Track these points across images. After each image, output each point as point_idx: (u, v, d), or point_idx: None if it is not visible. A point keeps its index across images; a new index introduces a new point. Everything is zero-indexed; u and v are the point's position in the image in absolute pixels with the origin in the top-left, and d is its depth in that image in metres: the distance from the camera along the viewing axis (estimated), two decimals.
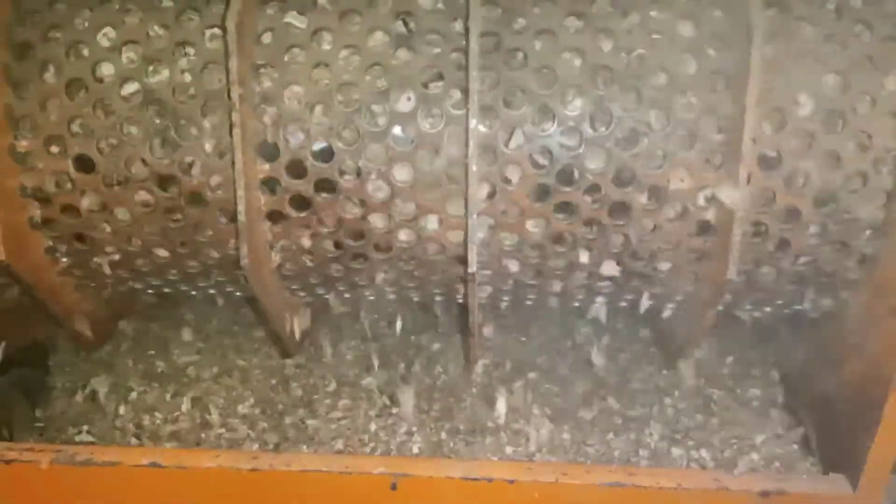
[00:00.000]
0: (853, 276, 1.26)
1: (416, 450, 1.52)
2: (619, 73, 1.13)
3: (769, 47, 1.10)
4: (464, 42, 1.12)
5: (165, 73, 1.19)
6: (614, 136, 1.14)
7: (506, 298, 1.44)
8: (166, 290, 1.48)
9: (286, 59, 1.17)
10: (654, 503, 1.24)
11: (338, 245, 1.28)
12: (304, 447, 1.53)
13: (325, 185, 1.21)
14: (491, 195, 1.19)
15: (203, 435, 1.56)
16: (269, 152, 1.20)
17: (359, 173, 1.19)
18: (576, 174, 1.17)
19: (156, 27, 1.20)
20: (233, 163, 1.15)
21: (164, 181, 1.23)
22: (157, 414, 1.60)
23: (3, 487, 1.30)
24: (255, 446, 1.53)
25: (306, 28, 1.17)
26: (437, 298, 1.44)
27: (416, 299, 1.46)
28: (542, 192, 1.19)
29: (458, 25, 1.15)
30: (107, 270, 1.38)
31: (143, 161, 1.22)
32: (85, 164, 1.23)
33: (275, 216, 1.25)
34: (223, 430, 1.56)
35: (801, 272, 1.26)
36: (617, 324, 1.77)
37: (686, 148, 1.15)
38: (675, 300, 1.38)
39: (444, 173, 1.18)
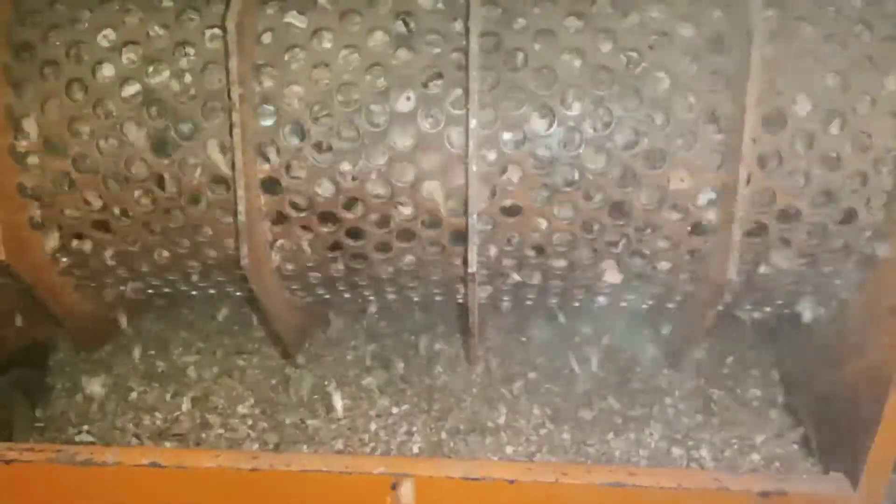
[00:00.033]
0: (853, 276, 1.26)
1: (416, 450, 1.52)
2: (619, 73, 1.13)
3: (769, 47, 1.10)
4: (464, 42, 1.12)
5: (166, 73, 1.19)
6: (614, 136, 1.14)
7: (506, 298, 1.44)
8: (166, 290, 1.48)
9: (286, 59, 1.17)
10: (655, 503, 1.24)
11: (338, 245, 1.28)
12: (304, 447, 1.53)
13: (326, 185, 1.21)
14: (491, 195, 1.19)
15: (203, 435, 1.56)
16: (269, 154, 1.20)
17: (358, 174, 1.19)
18: (576, 174, 1.17)
19: (156, 27, 1.20)
20: (233, 163, 1.15)
21: (164, 181, 1.23)
22: (157, 414, 1.60)
23: (3, 487, 1.30)
24: (256, 446, 1.53)
25: (306, 28, 1.17)
26: (437, 298, 1.44)
27: (416, 299, 1.46)
28: (543, 192, 1.18)
29: (459, 25, 1.15)
30: (106, 270, 1.38)
31: (144, 161, 1.22)
32: (85, 164, 1.23)
33: (275, 216, 1.25)
34: (223, 430, 1.57)
35: (801, 272, 1.26)
36: (617, 324, 1.77)
37: (686, 148, 1.15)
38: (675, 300, 1.38)
39: (443, 173, 1.18)
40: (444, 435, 1.54)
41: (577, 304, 1.46)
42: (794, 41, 1.13)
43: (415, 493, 1.24)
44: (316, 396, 1.64)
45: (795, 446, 1.48)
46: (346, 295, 1.46)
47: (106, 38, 1.20)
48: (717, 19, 1.14)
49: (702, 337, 1.39)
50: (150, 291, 1.50)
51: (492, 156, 1.16)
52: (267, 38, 1.18)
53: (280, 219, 1.25)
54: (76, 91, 1.20)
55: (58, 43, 1.20)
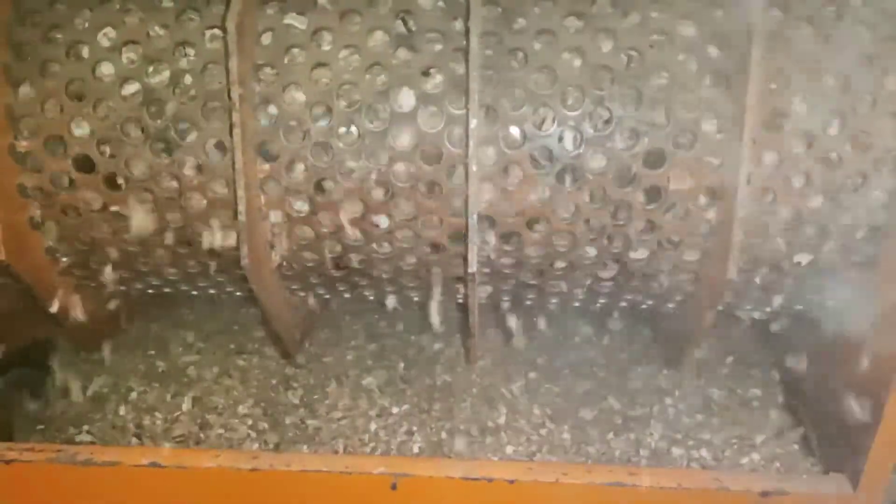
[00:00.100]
0: (853, 275, 1.26)
1: (416, 449, 1.52)
2: (619, 73, 1.13)
3: (769, 47, 1.10)
4: (464, 41, 1.12)
5: (166, 73, 1.19)
6: (614, 135, 1.14)
7: (506, 298, 1.44)
8: (166, 289, 1.48)
9: (286, 59, 1.17)
10: (655, 503, 1.24)
11: (338, 245, 1.28)
12: (305, 447, 1.53)
13: (327, 185, 1.21)
14: (491, 195, 1.19)
15: (203, 435, 1.56)
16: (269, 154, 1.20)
17: (358, 174, 1.19)
18: (576, 174, 1.17)
19: (156, 27, 1.20)
20: (233, 163, 1.15)
21: (164, 181, 1.23)
22: (157, 414, 1.60)
23: (3, 487, 1.30)
24: (256, 446, 1.53)
25: (306, 28, 1.17)
26: (437, 298, 1.44)
27: (416, 299, 1.46)
28: (543, 192, 1.18)
29: (459, 25, 1.15)
30: (107, 271, 1.38)
31: (144, 161, 1.22)
32: (85, 164, 1.23)
33: (275, 216, 1.25)
34: (223, 430, 1.56)
35: (801, 272, 1.26)
36: (617, 323, 1.77)
37: (686, 148, 1.15)
38: (675, 300, 1.38)
39: (443, 173, 1.18)
40: (444, 435, 1.54)
41: (577, 304, 1.46)
42: (794, 41, 1.13)
43: (415, 493, 1.24)
44: (316, 396, 1.64)
45: (796, 446, 1.48)
46: (346, 295, 1.46)
47: (106, 37, 1.20)
48: (718, 19, 1.14)
49: (702, 337, 1.39)
50: (150, 291, 1.50)
51: (492, 155, 1.16)
52: (267, 38, 1.18)
53: (280, 219, 1.25)
54: (76, 91, 1.20)
55: (58, 42, 1.20)
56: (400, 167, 1.18)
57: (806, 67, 1.12)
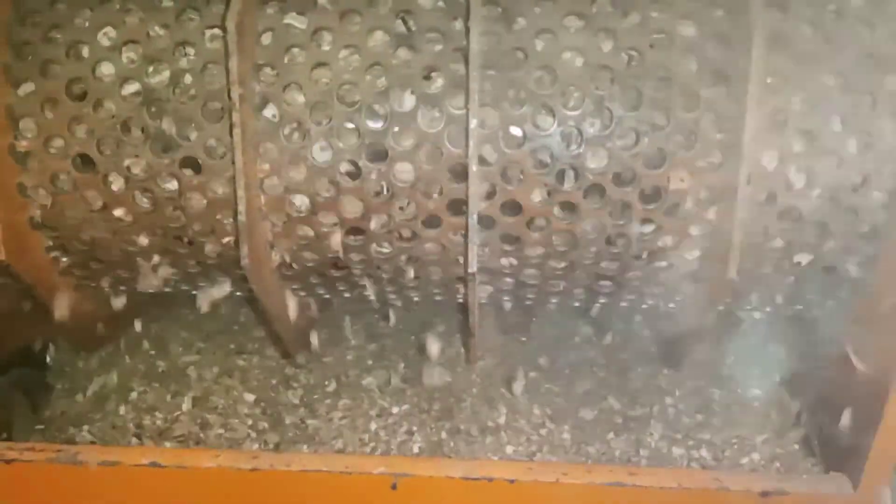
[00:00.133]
0: (854, 275, 1.26)
1: (416, 449, 1.52)
2: (619, 72, 1.13)
3: (770, 47, 1.10)
4: (464, 41, 1.12)
5: (166, 73, 1.19)
6: (615, 135, 1.14)
7: (506, 298, 1.44)
8: (166, 289, 1.48)
9: (286, 59, 1.17)
10: (655, 503, 1.24)
11: (338, 245, 1.28)
12: (305, 447, 1.53)
13: (326, 185, 1.21)
14: (491, 195, 1.19)
15: (203, 435, 1.56)
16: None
17: (359, 173, 1.19)
18: (576, 174, 1.17)
19: (156, 27, 1.20)
20: (233, 162, 1.15)
21: (164, 181, 1.23)
22: (157, 414, 1.60)
23: (3, 487, 1.30)
24: (256, 446, 1.53)
25: (306, 28, 1.17)
26: (437, 298, 1.44)
27: (416, 299, 1.46)
28: (543, 192, 1.18)
29: (459, 24, 1.15)
30: (106, 270, 1.39)
31: (144, 161, 1.21)
32: (85, 164, 1.23)
33: (275, 216, 1.25)
34: (223, 430, 1.56)
35: (802, 272, 1.26)
36: (618, 323, 1.77)
37: (686, 148, 1.15)
38: (675, 300, 1.38)
39: (444, 173, 1.18)
40: (444, 435, 1.54)
41: (577, 304, 1.46)
42: (794, 41, 1.13)
43: (415, 493, 1.24)
44: (316, 396, 1.63)
45: (796, 446, 1.48)
46: (347, 295, 1.46)
47: (106, 37, 1.20)
48: (718, 18, 1.14)
49: (702, 337, 1.39)
50: (150, 291, 1.50)
51: (492, 155, 1.16)
52: (267, 38, 1.18)
53: (280, 218, 1.25)
54: (76, 91, 1.20)
55: (58, 42, 1.20)
56: (400, 167, 1.18)
57: (806, 67, 1.12)
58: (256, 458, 1.28)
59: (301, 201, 1.23)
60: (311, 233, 1.26)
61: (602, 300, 1.42)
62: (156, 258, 1.34)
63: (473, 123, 1.10)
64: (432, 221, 1.23)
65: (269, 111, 1.18)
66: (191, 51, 1.19)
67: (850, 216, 1.18)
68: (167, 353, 1.76)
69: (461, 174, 1.15)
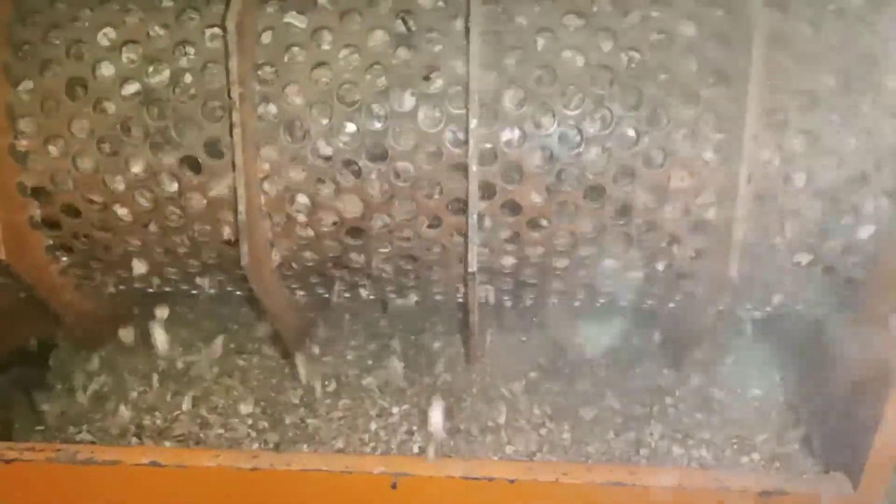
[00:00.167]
0: (854, 274, 1.26)
1: (416, 449, 1.52)
2: (619, 72, 1.13)
3: (770, 46, 1.10)
4: (464, 40, 1.12)
5: (166, 72, 1.19)
6: (615, 135, 1.14)
7: (506, 298, 1.44)
8: (167, 288, 1.48)
9: (286, 58, 1.17)
10: (655, 502, 1.24)
11: (338, 244, 1.28)
12: (305, 447, 1.53)
13: (326, 184, 1.21)
14: (491, 195, 1.19)
15: (203, 434, 1.56)
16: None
17: (359, 172, 1.19)
18: (576, 173, 1.17)
19: (156, 27, 1.20)
20: (233, 162, 1.15)
21: (164, 180, 1.23)
22: (157, 413, 1.60)
23: (3, 486, 1.31)
24: (256, 446, 1.53)
25: (306, 27, 1.17)
26: (437, 298, 1.44)
27: (416, 299, 1.46)
28: (543, 192, 1.18)
29: (459, 24, 1.15)
30: (106, 270, 1.39)
31: (144, 160, 1.21)
32: (85, 163, 1.23)
33: (275, 215, 1.25)
34: (223, 430, 1.56)
35: (802, 271, 1.26)
36: (618, 323, 1.76)
37: (687, 147, 1.15)
38: (675, 299, 1.38)
39: (444, 173, 1.18)
40: (444, 434, 1.54)
41: (577, 304, 1.46)
42: (795, 40, 1.13)
43: (415, 493, 1.24)
44: (316, 396, 1.64)
45: (796, 446, 1.48)
46: (347, 294, 1.46)
47: (106, 36, 1.20)
48: (718, 18, 1.14)
49: (703, 336, 1.39)
50: (150, 290, 1.50)
51: (492, 155, 1.16)
52: (267, 37, 1.18)
53: (280, 218, 1.25)
54: (76, 90, 1.20)
55: (58, 42, 1.20)
56: (400, 166, 1.18)
57: (806, 66, 1.12)
58: (256, 457, 1.28)
59: (301, 201, 1.23)
60: (311, 232, 1.26)
61: (602, 299, 1.42)
62: (156, 257, 1.34)
63: (473, 123, 1.10)
64: (432, 221, 1.23)
65: (270, 110, 1.18)
66: (191, 50, 1.19)
67: (850, 216, 1.18)
68: (167, 352, 1.75)
69: (461, 174, 1.15)
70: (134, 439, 1.55)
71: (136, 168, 1.22)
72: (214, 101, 1.17)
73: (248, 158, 1.16)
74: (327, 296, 1.48)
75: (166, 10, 1.20)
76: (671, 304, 1.41)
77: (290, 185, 1.21)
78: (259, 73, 1.17)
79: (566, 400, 1.60)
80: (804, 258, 1.24)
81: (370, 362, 1.71)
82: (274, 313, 1.38)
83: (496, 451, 1.50)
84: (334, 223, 1.25)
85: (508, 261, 1.28)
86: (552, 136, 1.15)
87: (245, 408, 1.61)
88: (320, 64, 1.17)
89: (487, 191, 1.18)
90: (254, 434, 1.55)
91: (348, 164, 1.19)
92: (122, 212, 1.27)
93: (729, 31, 1.12)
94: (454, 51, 1.15)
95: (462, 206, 1.18)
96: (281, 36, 1.17)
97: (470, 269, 1.18)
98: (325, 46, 1.17)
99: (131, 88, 1.20)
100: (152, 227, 1.28)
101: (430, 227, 1.23)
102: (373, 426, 1.55)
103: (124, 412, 1.60)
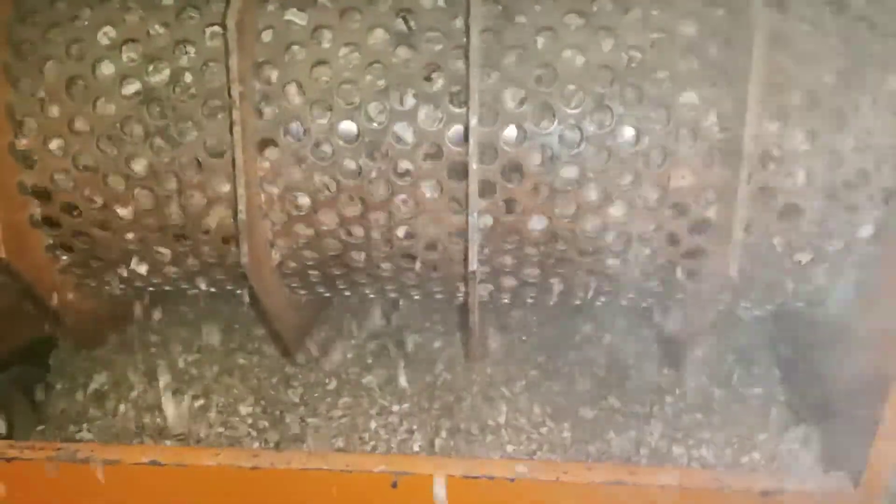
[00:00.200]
0: (854, 273, 1.26)
1: (416, 448, 1.51)
2: (619, 70, 1.13)
3: (771, 45, 1.10)
4: (464, 39, 1.12)
5: (166, 71, 1.19)
6: (615, 133, 1.14)
7: (506, 297, 1.44)
8: (167, 288, 1.48)
9: (286, 56, 1.17)
10: (655, 502, 1.24)
11: (338, 243, 1.28)
12: (305, 445, 1.53)
13: (326, 183, 1.21)
14: (491, 193, 1.19)
15: (203, 433, 1.56)
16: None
17: (359, 171, 1.19)
18: (576, 172, 1.17)
19: (156, 25, 1.20)
20: (233, 161, 1.15)
21: (165, 179, 1.23)
22: (157, 412, 1.60)
23: (3, 485, 1.31)
24: (256, 444, 1.53)
25: (306, 26, 1.17)
26: (438, 297, 1.44)
27: (416, 297, 1.46)
28: (543, 190, 1.18)
29: (459, 22, 1.15)
30: (106, 268, 1.39)
31: (144, 158, 1.21)
32: (85, 161, 1.23)
33: (275, 214, 1.25)
34: (224, 429, 1.56)
35: (803, 270, 1.26)
36: (618, 322, 1.76)
37: (687, 146, 1.14)
38: (676, 298, 1.38)
39: (444, 171, 1.17)
40: (444, 433, 1.54)
41: (577, 302, 1.46)
42: (795, 39, 1.13)
43: (415, 491, 1.24)
44: (317, 395, 1.64)
45: (796, 445, 1.48)
46: (347, 293, 1.46)
47: (106, 35, 1.20)
48: (719, 16, 1.13)
49: (703, 335, 1.39)
50: (150, 289, 1.50)
51: (492, 153, 1.16)
52: (267, 35, 1.18)
53: (280, 217, 1.25)
54: (76, 89, 1.20)
55: (58, 41, 1.20)
56: (400, 165, 1.18)
57: (806, 65, 1.12)
58: (257, 456, 1.28)
59: (301, 200, 1.23)
60: (311, 231, 1.26)
61: (602, 298, 1.42)
62: (155, 256, 1.34)
63: (474, 122, 1.10)
64: (433, 220, 1.22)
65: (270, 109, 1.18)
66: (191, 49, 1.19)
67: (850, 215, 1.18)
68: (168, 351, 1.75)
69: (461, 172, 1.15)
70: (134, 438, 1.55)
71: (136, 167, 1.22)
72: (215, 100, 1.17)
73: (248, 157, 1.16)
74: (327, 295, 1.48)
75: (166, 9, 1.20)
76: (672, 303, 1.41)
77: (290, 184, 1.21)
78: (259, 71, 1.17)
79: (566, 399, 1.60)
80: (804, 257, 1.24)
81: (370, 361, 1.71)
82: (274, 312, 1.37)
83: (496, 450, 1.50)
84: (334, 222, 1.24)
85: (509, 259, 1.28)
86: (552, 134, 1.15)
87: (245, 407, 1.61)
88: (320, 62, 1.16)
89: (488, 189, 1.18)
90: (254, 433, 1.55)
91: (348, 162, 1.19)
92: (122, 211, 1.27)
93: (729, 31, 1.12)
94: (454, 49, 1.15)
95: (462, 205, 1.18)
96: (281, 34, 1.17)
97: (470, 268, 1.18)
98: (326, 45, 1.17)
99: (131, 87, 1.20)
100: (152, 226, 1.28)
101: (430, 225, 1.23)
102: (373, 424, 1.55)
103: (124, 411, 1.60)
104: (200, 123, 1.18)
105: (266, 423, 1.57)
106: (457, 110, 1.14)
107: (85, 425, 1.58)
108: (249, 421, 1.58)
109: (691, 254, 1.24)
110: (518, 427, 1.55)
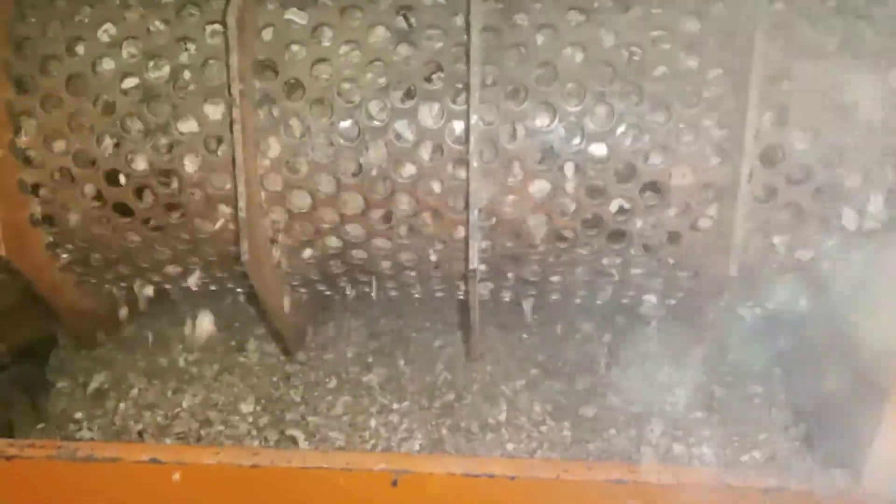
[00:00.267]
0: (855, 272, 1.26)
1: (416, 446, 1.51)
2: (620, 68, 1.13)
3: (772, 42, 1.10)
4: (465, 37, 1.12)
5: (166, 68, 1.19)
6: (615, 131, 1.14)
7: (507, 296, 1.44)
8: (167, 286, 1.48)
9: (287, 55, 1.17)
10: (656, 500, 1.24)
11: (339, 242, 1.28)
12: (306, 444, 1.52)
13: (326, 181, 1.20)
14: (492, 191, 1.18)
15: (204, 432, 1.56)
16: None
17: (359, 169, 1.19)
18: (576, 170, 1.17)
19: (156, 23, 1.20)
20: (233, 158, 1.15)
21: (165, 177, 1.23)
22: (157, 411, 1.60)
23: (4, 484, 1.30)
24: (256, 443, 1.53)
25: (307, 24, 1.17)
26: (438, 295, 1.44)
27: (417, 296, 1.46)
28: (543, 188, 1.18)
29: (459, 20, 1.15)
30: (107, 267, 1.38)
31: (144, 157, 1.21)
32: (85, 160, 1.23)
33: (276, 212, 1.25)
34: (224, 427, 1.56)
35: (803, 268, 1.26)
36: (618, 321, 1.76)
37: (688, 144, 1.14)
38: (676, 297, 1.38)
39: (444, 169, 1.17)
40: (444, 432, 1.54)
41: (578, 301, 1.45)
42: (796, 36, 1.13)
43: (416, 490, 1.24)
44: (317, 393, 1.64)
45: (797, 443, 1.48)
46: (347, 292, 1.46)
47: (106, 33, 1.20)
48: (720, 14, 1.13)
49: (703, 334, 1.39)
50: (150, 288, 1.50)
51: (492, 151, 1.16)
52: (267, 33, 1.18)
53: (281, 215, 1.25)
54: (77, 87, 1.20)
55: (58, 38, 1.20)
56: (400, 163, 1.18)
57: (808, 62, 1.12)
58: (257, 454, 1.28)
59: (301, 198, 1.23)
60: (311, 229, 1.26)
61: (603, 297, 1.42)
62: (156, 254, 1.34)
63: (474, 119, 1.10)
64: (433, 217, 1.22)
65: (270, 107, 1.18)
66: (191, 46, 1.19)
67: (851, 213, 1.18)
68: (168, 349, 1.75)
69: (462, 170, 1.15)
70: (135, 436, 1.55)
71: (136, 164, 1.22)
72: (215, 98, 1.17)
73: (249, 155, 1.16)
74: (328, 293, 1.48)
75: (166, 6, 1.20)
76: (672, 301, 1.40)
77: (290, 181, 1.21)
78: (260, 69, 1.17)
79: (566, 397, 1.60)
80: (805, 255, 1.24)
81: (371, 359, 1.71)
82: (274, 311, 1.37)
83: (497, 449, 1.50)
84: (334, 220, 1.24)
85: (509, 258, 1.28)
86: (553, 131, 1.15)
87: (246, 405, 1.61)
88: (321, 60, 1.16)
89: (488, 187, 1.18)
90: (254, 431, 1.55)
91: (348, 160, 1.19)
92: (121, 209, 1.27)
93: (730, 27, 1.12)
94: (455, 47, 1.15)
95: (463, 203, 1.18)
96: (281, 32, 1.17)
97: (471, 266, 1.18)
98: (326, 43, 1.17)
99: (131, 84, 1.19)
100: (152, 224, 1.28)
101: (430, 223, 1.23)
102: (373, 423, 1.55)
103: (124, 409, 1.60)
104: (200, 121, 1.18)
105: (266, 422, 1.57)
106: (457, 108, 1.14)
107: (85, 424, 1.58)
108: (250, 419, 1.58)
109: (692, 252, 1.24)
110: (518, 425, 1.55)
